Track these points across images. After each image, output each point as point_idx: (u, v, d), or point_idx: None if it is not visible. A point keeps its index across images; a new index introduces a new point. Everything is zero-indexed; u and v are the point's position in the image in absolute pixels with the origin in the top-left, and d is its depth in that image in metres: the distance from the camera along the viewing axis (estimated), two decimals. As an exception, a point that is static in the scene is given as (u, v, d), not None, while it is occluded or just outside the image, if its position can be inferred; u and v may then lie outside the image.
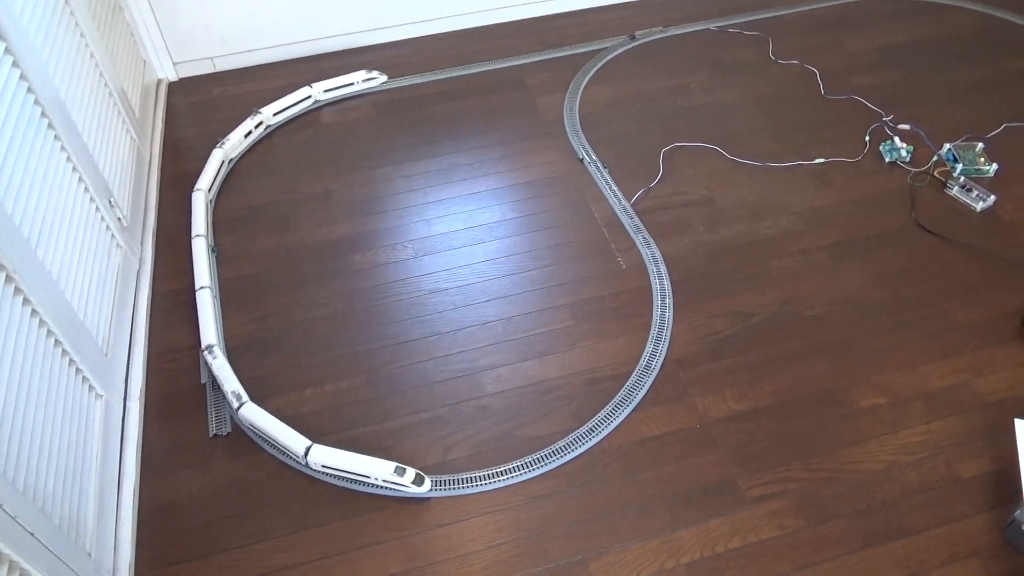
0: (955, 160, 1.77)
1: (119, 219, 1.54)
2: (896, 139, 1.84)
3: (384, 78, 1.94)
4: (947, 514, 1.22)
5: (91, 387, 1.24)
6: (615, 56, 2.20)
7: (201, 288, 1.53)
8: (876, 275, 1.57)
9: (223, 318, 1.53)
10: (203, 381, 1.42)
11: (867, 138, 1.88)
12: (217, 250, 1.67)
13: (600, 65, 2.17)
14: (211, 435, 1.34)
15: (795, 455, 1.29)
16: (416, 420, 1.35)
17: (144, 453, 1.32)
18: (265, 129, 1.69)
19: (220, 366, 1.39)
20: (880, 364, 1.42)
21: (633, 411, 1.36)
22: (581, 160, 1.86)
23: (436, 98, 2.06)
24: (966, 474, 1.26)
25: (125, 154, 1.70)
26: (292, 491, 1.26)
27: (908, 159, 1.81)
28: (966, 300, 1.52)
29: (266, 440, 1.32)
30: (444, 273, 1.61)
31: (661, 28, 2.30)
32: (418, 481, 1.23)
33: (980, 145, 1.80)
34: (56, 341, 1.14)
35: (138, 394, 1.40)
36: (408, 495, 1.24)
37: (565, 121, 1.98)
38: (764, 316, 1.51)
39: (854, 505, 1.23)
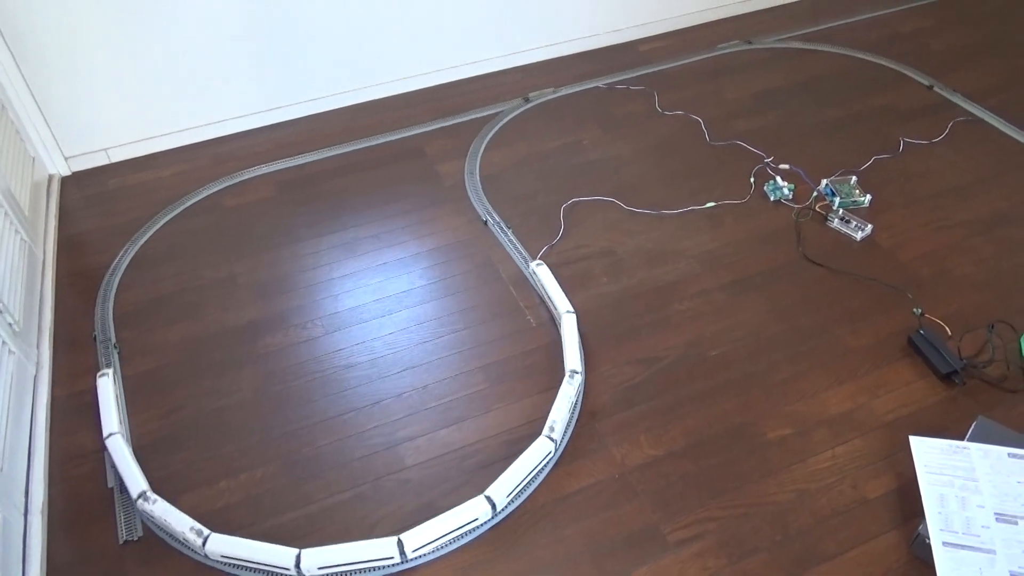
0: (833, 194, 1.89)
1: (10, 324, 1.49)
2: (778, 179, 1.95)
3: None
4: (858, 535, 1.27)
5: (-15, 507, 1.18)
6: (511, 119, 2.28)
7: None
8: (772, 309, 1.65)
9: (128, 416, 1.48)
10: (110, 485, 1.37)
11: (752, 180, 1.99)
12: (119, 346, 1.62)
13: (497, 128, 2.24)
14: (121, 541, 1.29)
15: (712, 494, 1.33)
16: (336, 501, 1.33)
17: (49, 570, 1.26)
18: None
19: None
20: (783, 395, 1.48)
21: (553, 468, 1.37)
22: (485, 222, 1.90)
23: (336, 173, 2.08)
24: (872, 494, 1.32)
25: (14, 256, 1.64)
26: (209, 592, 1.22)
27: (791, 197, 1.92)
28: (856, 326, 1.61)
29: (175, 539, 1.27)
30: (356, 347, 1.61)
31: (553, 89, 2.40)
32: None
33: (854, 179, 1.93)
34: (-58, 463, 1.08)
35: (40, 507, 1.33)
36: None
37: (467, 185, 2.02)
38: (671, 360, 1.56)
39: (772, 537, 1.27)
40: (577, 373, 1.48)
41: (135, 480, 1.33)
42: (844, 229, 1.82)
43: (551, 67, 2.50)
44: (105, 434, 1.40)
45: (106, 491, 1.36)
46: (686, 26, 2.70)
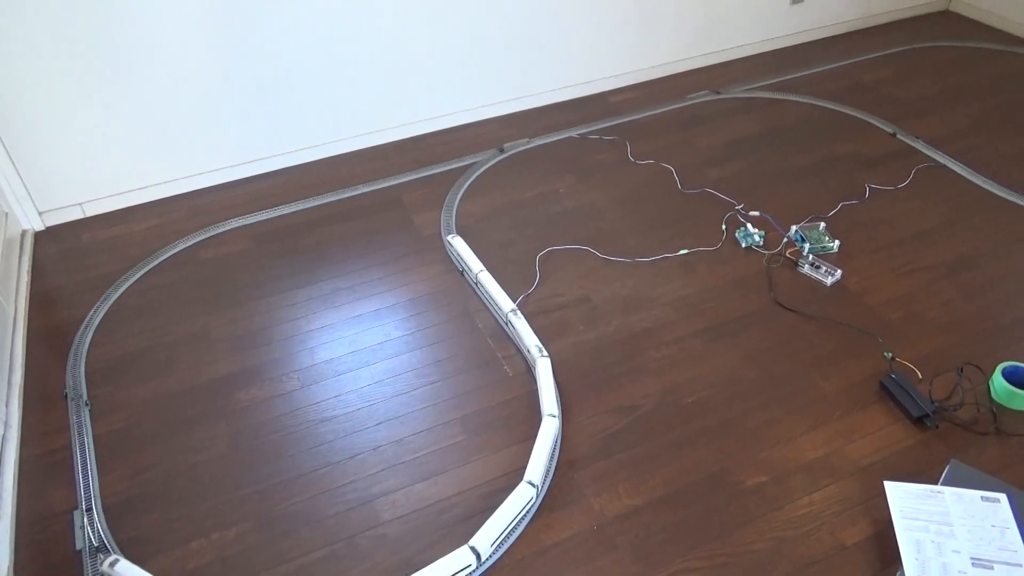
0: (803, 240, 1.93)
1: (-21, 384, 1.47)
2: (749, 225, 1.99)
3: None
4: (837, 583, 1.27)
5: (-52, 574, 1.15)
6: (487, 169, 2.31)
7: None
8: (746, 355, 1.66)
9: (98, 476, 1.45)
10: (78, 548, 1.34)
11: (723, 227, 2.02)
12: (91, 404, 1.60)
13: (473, 178, 2.27)
14: (89, 607, 1.25)
15: (691, 544, 1.32)
16: (310, 560, 1.31)
17: (13, 639, 1.22)
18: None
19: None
20: (759, 441, 1.49)
21: (531, 520, 1.36)
22: (461, 273, 1.91)
23: (313, 224, 2.09)
24: (849, 541, 1.32)
25: (-15, 314, 1.63)
26: (180, 658, 1.18)
27: (762, 243, 1.96)
28: (828, 370, 1.63)
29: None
30: (332, 401, 1.60)
31: (527, 139, 2.44)
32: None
33: (822, 224, 1.97)
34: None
35: (5, 572, 1.29)
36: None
37: (443, 236, 2.04)
38: (648, 408, 1.56)
39: (751, 587, 1.26)
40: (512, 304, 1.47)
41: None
42: (814, 275, 1.85)
43: (525, 118, 2.55)
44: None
45: (74, 554, 1.33)
46: (655, 77, 2.77)
